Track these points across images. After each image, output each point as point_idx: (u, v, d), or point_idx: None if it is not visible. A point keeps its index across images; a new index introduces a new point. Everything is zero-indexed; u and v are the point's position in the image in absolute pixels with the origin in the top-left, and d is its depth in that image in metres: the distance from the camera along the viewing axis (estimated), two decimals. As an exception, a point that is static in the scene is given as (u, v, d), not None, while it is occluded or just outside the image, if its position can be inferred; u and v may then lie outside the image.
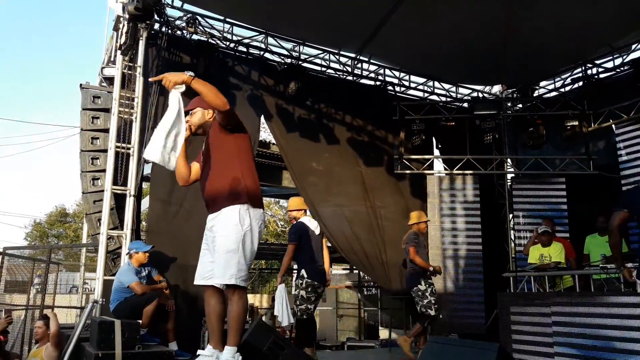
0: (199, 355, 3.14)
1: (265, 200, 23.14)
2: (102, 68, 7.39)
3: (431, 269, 6.26)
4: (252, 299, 14.57)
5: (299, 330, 5.44)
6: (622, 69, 8.17)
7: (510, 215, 8.93)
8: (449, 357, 2.51)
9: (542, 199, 8.55)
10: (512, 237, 8.87)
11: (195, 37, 7.27)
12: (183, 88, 2.96)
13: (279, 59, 7.90)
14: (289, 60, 7.85)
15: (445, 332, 7.65)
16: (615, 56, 8.14)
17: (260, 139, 9.81)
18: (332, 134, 8.26)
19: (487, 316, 8.07)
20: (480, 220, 8.52)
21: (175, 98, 2.99)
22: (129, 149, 6.34)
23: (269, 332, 3.94)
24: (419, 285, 6.07)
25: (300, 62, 7.90)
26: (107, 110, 6.56)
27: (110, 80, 6.93)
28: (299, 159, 7.92)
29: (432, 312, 5.98)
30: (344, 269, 15.98)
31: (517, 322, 6.05)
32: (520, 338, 5.99)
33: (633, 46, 7.85)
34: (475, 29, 7.20)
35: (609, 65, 8.30)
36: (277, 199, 22.32)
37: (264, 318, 5.57)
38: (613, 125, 8.11)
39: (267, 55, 7.87)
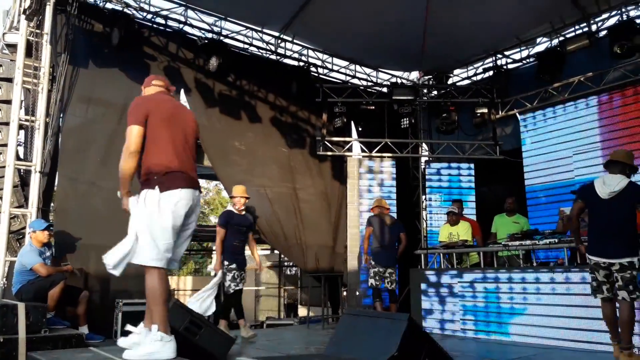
0: (131, 332, 3.11)
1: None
2: (4, 34, 6.82)
3: None
4: (170, 280, 14.22)
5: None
6: (528, 61, 8.75)
7: (423, 197, 9.36)
8: (362, 328, 2.63)
9: (453, 181, 9.06)
10: (425, 217, 9.32)
11: (109, 5, 6.88)
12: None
13: (199, 33, 7.66)
14: (209, 35, 7.64)
15: (361, 307, 7.93)
16: (522, 48, 8.69)
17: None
18: (254, 112, 8.17)
19: (401, 291, 8.47)
20: (396, 201, 8.87)
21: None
22: (34, 122, 5.94)
23: (185, 312, 3.90)
24: (396, 265, 6.93)
25: (221, 38, 7.71)
26: (9, 80, 6.09)
27: (13, 47, 6.41)
28: (219, 137, 7.76)
29: None
30: (263, 249, 16.02)
31: (427, 295, 6.44)
32: (429, 309, 6.39)
33: (538, 40, 8.42)
34: (396, 15, 7.40)
35: (517, 56, 8.86)
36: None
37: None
38: (518, 114, 8.71)
39: (186, 28, 7.62)
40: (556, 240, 5.43)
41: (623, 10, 7.28)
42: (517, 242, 5.83)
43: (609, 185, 4.07)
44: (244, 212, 5.94)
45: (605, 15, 7.53)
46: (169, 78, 7.22)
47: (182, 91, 7.43)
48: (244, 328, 5.53)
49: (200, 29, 7.68)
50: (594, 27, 7.60)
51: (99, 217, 6.35)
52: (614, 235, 4.05)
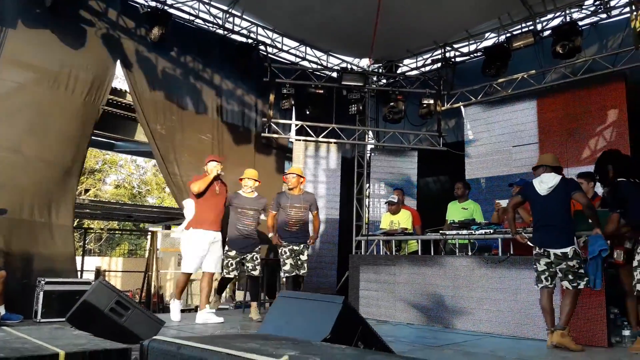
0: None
1: (122, 157, 21.64)
2: None
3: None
4: (100, 261, 13.69)
5: None
6: (475, 55, 8.85)
7: (367, 184, 9.37)
8: (297, 310, 2.54)
9: (396, 170, 9.12)
10: (367, 204, 9.35)
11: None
12: None
13: (141, 1, 7.25)
14: (153, 4, 7.24)
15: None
16: (470, 42, 8.78)
17: (114, 86, 9.02)
18: (199, 96, 7.91)
19: (340, 277, 8.48)
20: (340, 187, 8.83)
21: None
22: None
23: (111, 292, 3.69)
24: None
25: (165, 7, 7.33)
26: None
27: None
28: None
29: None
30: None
31: (365, 280, 6.45)
32: (367, 294, 6.40)
33: (486, 35, 8.54)
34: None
35: (465, 50, 8.96)
36: (134, 157, 20.94)
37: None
38: (462, 107, 8.85)
39: (128, -6, 7.19)
40: (491, 231, 5.55)
41: (567, 12, 7.50)
42: (454, 232, 5.92)
43: (545, 182, 4.50)
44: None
45: (550, 16, 7.72)
46: (108, 48, 6.89)
47: (118, 63, 7.03)
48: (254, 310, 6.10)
49: (143, -5, 7.26)
50: (539, 26, 7.78)
51: (21, 189, 5.93)
52: (551, 227, 4.41)
